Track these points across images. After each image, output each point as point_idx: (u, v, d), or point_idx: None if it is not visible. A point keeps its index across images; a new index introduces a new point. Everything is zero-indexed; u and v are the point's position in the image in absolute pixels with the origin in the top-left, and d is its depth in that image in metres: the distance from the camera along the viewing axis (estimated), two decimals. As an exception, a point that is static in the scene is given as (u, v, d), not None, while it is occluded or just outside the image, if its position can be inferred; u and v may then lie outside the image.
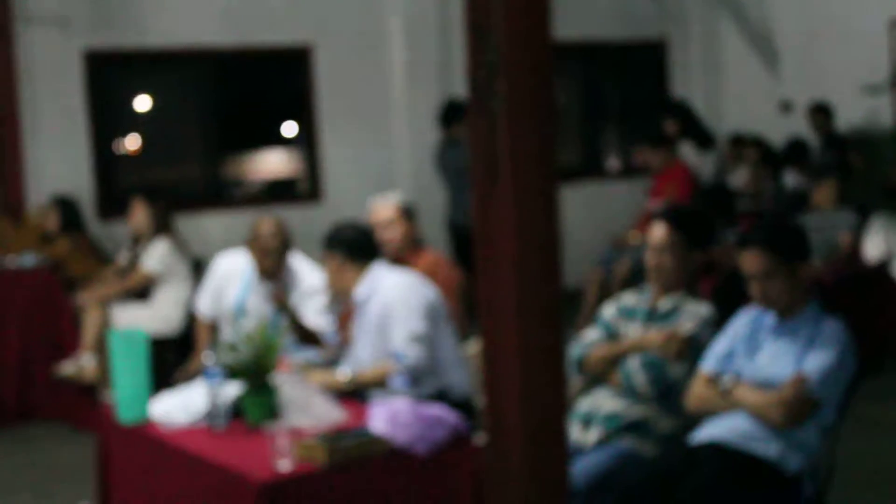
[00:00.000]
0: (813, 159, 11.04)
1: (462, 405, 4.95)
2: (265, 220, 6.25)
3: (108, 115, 10.26)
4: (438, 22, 11.09)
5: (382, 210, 6.31)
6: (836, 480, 4.52)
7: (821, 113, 11.24)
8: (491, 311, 3.75)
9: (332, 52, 10.98)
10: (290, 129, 11.29)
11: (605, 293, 8.92)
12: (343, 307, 6.00)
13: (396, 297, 5.24)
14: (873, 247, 8.32)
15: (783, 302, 4.42)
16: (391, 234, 6.17)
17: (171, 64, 10.68)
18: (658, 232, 4.94)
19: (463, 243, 10.12)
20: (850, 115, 11.24)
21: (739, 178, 11.14)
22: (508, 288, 3.67)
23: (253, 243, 6.22)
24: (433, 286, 5.46)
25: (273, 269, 6.23)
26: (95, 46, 10.03)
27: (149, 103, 10.77)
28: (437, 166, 10.51)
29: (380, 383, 5.10)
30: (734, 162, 11.63)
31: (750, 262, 4.45)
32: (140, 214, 8.22)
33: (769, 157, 10.68)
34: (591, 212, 11.95)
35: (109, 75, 10.23)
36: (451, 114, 10.37)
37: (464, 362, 5.33)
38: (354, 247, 5.38)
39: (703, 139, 11.59)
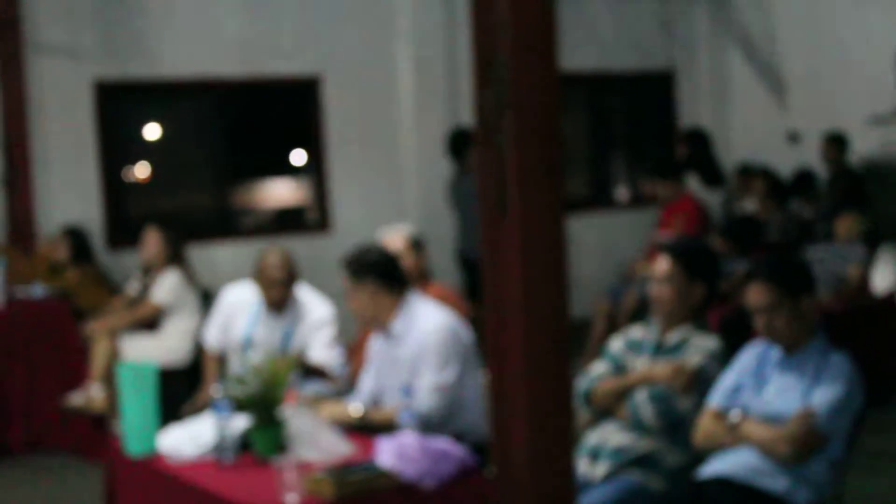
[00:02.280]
0: (820, 190, 11.04)
1: (477, 446, 4.88)
2: (272, 253, 6.25)
3: (117, 145, 10.30)
4: (446, 51, 11.12)
5: (392, 242, 6.30)
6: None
7: (834, 143, 11.18)
8: (498, 343, 3.75)
9: (341, 82, 11.01)
10: (299, 157, 11.32)
11: (613, 325, 8.92)
12: (358, 333, 5.98)
13: (435, 341, 5.12)
14: (882, 279, 8.32)
15: (788, 335, 4.43)
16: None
17: (180, 94, 10.72)
18: (661, 264, 4.95)
19: (473, 274, 10.12)
20: (857, 146, 11.24)
21: (747, 208, 11.14)
22: (516, 320, 3.67)
23: (260, 275, 6.22)
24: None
25: (280, 301, 6.24)
26: (105, 76, 10.08)
27: (158, 133, 10.81)
28: (450, 197, 10.54)
29: (391, 426, 4.95)
30: (742, 192, 11.63)
31: (754, 295, 4.47)
32: (153, 244, 8.23)
33: (776, 188, 10.68)
34: (600, 242, 11.96)
35: (119, 105, 10.27)
36: (461, 143, 10.40)
37: (483, 405, 5.26)
38: (386, 273, 5.25)
39: (712, 174, 11.59)
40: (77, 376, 8.11)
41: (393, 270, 5.29)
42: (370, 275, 5.23)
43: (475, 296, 10.04)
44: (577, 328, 9.66)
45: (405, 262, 6.15)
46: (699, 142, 11.90)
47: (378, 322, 5.30)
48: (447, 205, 10.84)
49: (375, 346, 5.39)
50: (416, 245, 6.33)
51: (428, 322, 5.19)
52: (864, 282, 8.46)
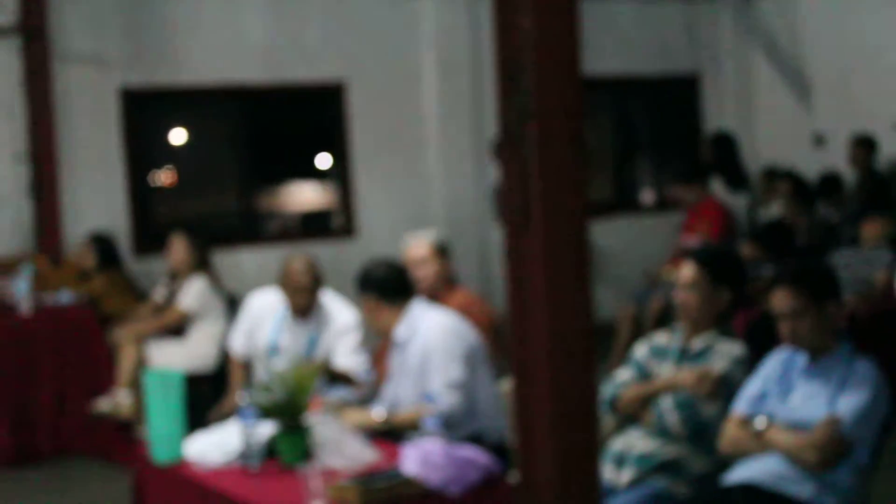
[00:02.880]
0: (847, 194, 10.98)
1: (497, 448, 4.94)
2: (296, 259, 6.28)
3: (144, 152, 10.36)
4: (471, 57, 11.14)
5: (416, 248, 6.32)
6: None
7: (863, 147, 11.11)
8: (523, 350, 3.76)
9: (366, 87, 11.04)
10: (324, 162, 11.35)
11: (639, 329, 8.91)
12: (379, 344, 6.03)
13: (437, 342, 5.24)
14: (908, 283, 8.28)
15: (812, 341, 4.42)
16: (424, 273, 6.18)
17: (206, 101, 10.77)
18: (686, 270, 4.95)
19: None
20: (883, 149, 11.18)
21: (773, 212, 11.10)
22: (540, 328, 3.68)
23: (284, 281, 6.25)
24: (470, 325, 5.47)
25: (305, 307, 6.26)
26: (131, 84, 10.14)
27: (184, 139, 10.87)
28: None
29: (415, 426, 5.08)
30: (767, 196, 11.59)
31: (779, 300, 4.46)
32: (180, 250, 8.26)
33: (801, 191, 10.64)
34: (625, 246, 11.94)
35: (146, 112, 10.33)
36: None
37: (500, 405, 5.32)
38: (387, 287, 5.40)
39: (736, 178, 11.55)
40: (104, 382, 8.16)
41: (397, 284, 5.44)
42: (372, 289, 5.43)
43: None
44: (604, 332, 9.66)
45: (429, 269, 6.18)
46: (724, 145, 11.87)
47: (381, 332, 5.48)
48: (472, 208, 10.87)
49: (391, 356, 5.46)
50: (442, 251, 6.34)
51: (429, 326, 5.31)
52: (890, 287, 8.42)
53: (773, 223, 9.88)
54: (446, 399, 5.11)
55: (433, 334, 5.27)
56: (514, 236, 3.77)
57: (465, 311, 5.85)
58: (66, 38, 9.81)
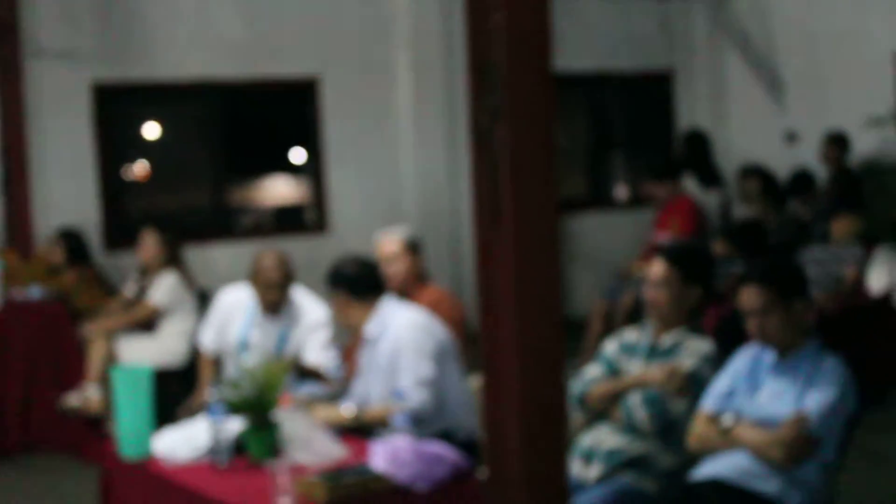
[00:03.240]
0: (818, 191, 11.03)
1: (466, 444, 4.95)
2: (267, 254, 6.26)
3: (115, 148, 10.32)
4: (444, 53, 11.13)
5: (387, 244, 6.33)
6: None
7: (835, 144, 11.16)
8: (493, 346, 3.77)
9: (340, 83, 11.02)
10: (298, 156, 11.33)
11: (610, 325, 8.93)
12: (349, 340, 6.02)
13: (407, 339, 5.23)
14: (877, 280, 8.33)
15: (780, 338, 4.44)
16: (395, 269, 6.19)
17: (178, 96, 10.73)
18: (656, 268, 4.96)
19: None
20: (854, 147, 11.24)
21: (747, 211, 11.14)
22: (510, 324, 3.68)
23: (255, 277, 6.24)
24: (440, 322, 5.47)
25: (275, 303, 6.25)
26: (103, 79, 10.09)
27: (156, 135, 10.82)
28: None
29: (384, 422, 5.09)
30: (743, 194, 11.63)
31: (747, 297, 4.49)
32: (150, 246, 8.24)
33: (771, 188, 10.68)
34: (598, 242, 11.97)
35: (117, 108, 10.29)
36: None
37: (470, 402, 5.32)
38: (356, 284, 5.39)
39: (709, 175, 11.58)
40: (74, 377, 8.12)
41: (367, 281, 5.43)
42: (342, 285, 5.41)
43: None
44: (577, 326, 9.68)
45: (400, 265, 6.19)
46: (696, 143, 11.91)
47: (352, 328, 5.48)
48: (445, 205, 10.88)
49: (361, 352, 5.46)
50: (413, 247, 6.35)
51: (399, 323, 5.30)
52: (859, 283, 8.47)
53: (747, 222, 9.91)
54: (416, 396, 5.11)
55: (403, 331, 5.26)
56: (485, 233, 3.77)
57: (436, 307, 5.86)
58: (38, 33, 9.76)
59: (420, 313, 5.42)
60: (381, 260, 6.14)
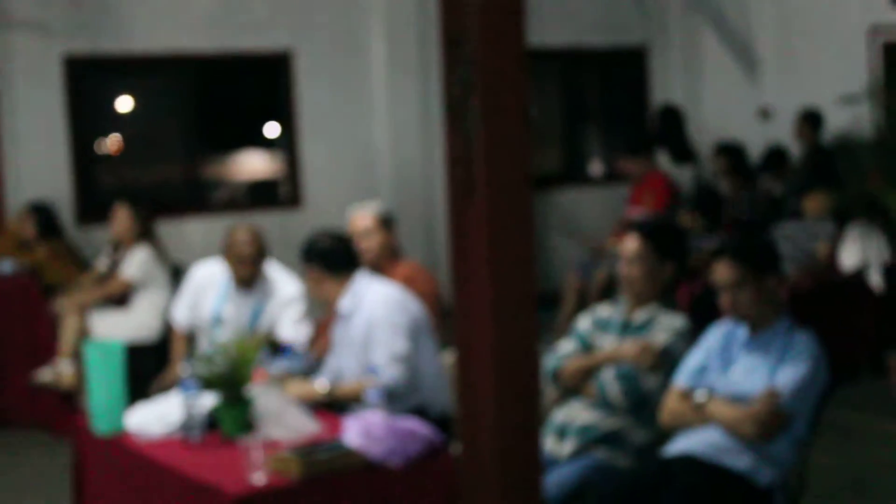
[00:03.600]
0: (791, 167, 11.06)
1: (440, 420, 4.95)
2: (240, 229, 6.25)
3: (87, 120, 10.23)
4: (418, 26, 11.09)
5: (360, 219, 6.31)
6: (810, 490, 4.55)
7: (808, 121, 11.18)
8: (466, 322, 3.76)
9: (312, 56, 10.96)
10: (271, 131, 11.28)
11: (583, 301, 8.95)
12: (323, 315, 6.01)
13: (381, 315, 5.22)
14: (849, 256, 8.37)
15: (752, 313, 4.46)
16: (368, 244, 6.17)
17: (151, 69, 10.65)
18: (630, 243, 4.96)
19: None
20: (828, 123, 11.27)
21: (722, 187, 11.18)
22: (483, 300, 3.68)
23: (228, 252, 6.22)
24: (414, 297, 5.47)
25: (249, 278, 6.23)
26: (75, 51, 10.01)
27: (129, 107, 10.75)
28: None
29: (357, 398, 5.08)
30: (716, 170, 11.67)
31: (720, 272, 4.50)
32: (122, 220, 8.20)
33: (740, 164, 10.71)
34: (572, 218, 11.97)
35: (89, 80, 10.20)
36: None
37: (444, 378, 5.32)
38: (331, 259, 5.37)
39: (682, 151, 11.60)
40: (46, 352, 8.08)
41: (341, 256, 5.40)
42: (316, 260, 5.39)
43: None
44: (551, 301, 9.69)
45: (373, 240, 6.18)
46: (670, 118, 11.92)
47: (326, 303, 5.46)
48: (419, 179, 10.87)
49: (335, 327, 5.45)
50: (386, 223, 6.33)
51: (374, 299, 5.29)
52: (832, 259, 8.50)
53: (708, 191, 9.99)
54: (389, 372, 5.10)
55: (377, 307, 5.25)
56: (458, 207, 3.76)
57: (410, 282, 5.86)
58: (9, 4, 9.66)
59: (394, 289, 5.41)
60: (355, 235, 6.12)
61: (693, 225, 8.68)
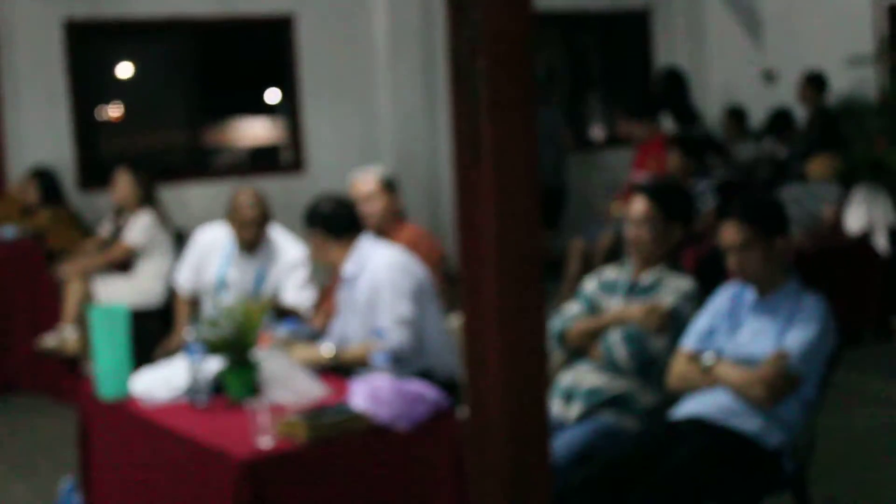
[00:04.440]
0: (796, 130, 11.03)
1: (446, 383, 4.94)
2: (244, 192, 6.24)
3: (89, 86, 10.19)
4: (421, -10, 11.04)
5: (363, 183, 6.28)
6: (815, 454, 4.54)
7: (812, 84, 11.14)
8: (471, 284, 3.75)
9: (314, 20, 10.91)
10: (273, 96, 11.24)
11: (588, 265, 8.93)
12: (328, 280, 6.00)
13: (385, 279, 5.19)
14: (855, 219, 8.34)
15: (759, 275, 4.43)
16: (372, 208, 6.14)
17: (152, 33, 10.60)
18: (637, 205, 4.93)
19: (546, 201, 10.58)
20: (833, 85, 11.22)
21: (749, 150, 11.18)
22: (489, 262, 3.66)
23: (232, 215, 6.21)
24: (418, 261, 5.44)
25: (253, 241, 6.22)
26: (76, 16, 9.95)
27: (130, 72, 10.71)
28: None
29: (363, 361, 5.07)
30: (732, 134, 11.64)
31: (727, 233, 4.47)
32: (124, 186, 8.18)
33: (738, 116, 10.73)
34: (576, 182, 11.93)
35: (90, 45, 10.15)
36: (545, 79, 10.65)
37: (449, 341, 5.31)
38: (333, 222, 5.34)
39: (685, 114, 11.55)
40: (50, 318, 8.08)
41: (343, 220, 5.37)
42: (318, 225, 5.36)
43: (547, 222, 10.49)
44: (555, 266, 9.68)
45: (376, 204, 6.14)
46: (674, 81, 11.86)
47: (329, 268, 5.44)
48: (422, 143, 10.83)
49: (339, 291, 5.43)
50: (390, 186, 6.30)
51: (377, 262, 5.26)
52: (838, 222, 8.48)
53: (691, 135, 10.08)
54: (395, 336, 5.09)
55: (381, 270, 5.23)
56: (463, 171, 3.74)
57: (414, 246, 5.83)
58: (8, -32, 9.62)
59: (398, 252, 5.39)
60: (358, 199, 6.09)
61: (682, 166, 8.73)
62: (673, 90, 11.74)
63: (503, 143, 3.62)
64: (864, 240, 8.30)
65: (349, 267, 5.31)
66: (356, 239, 5.35)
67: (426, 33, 11.04)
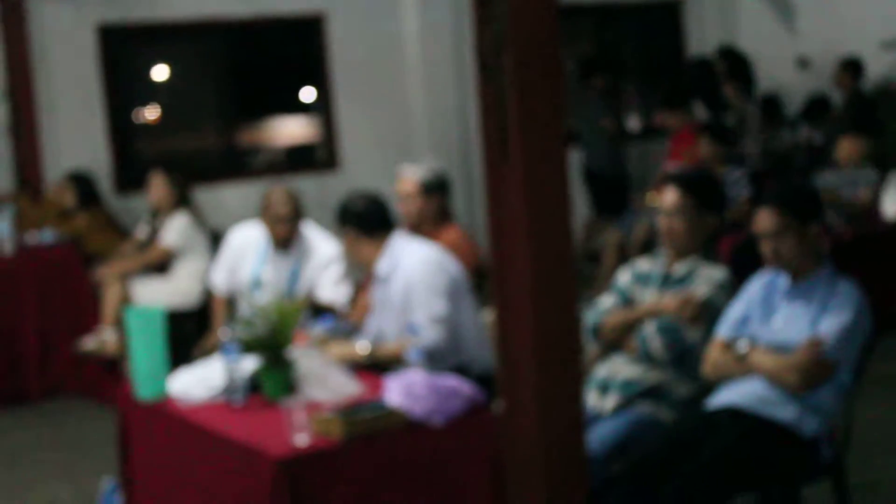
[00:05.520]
0: (833, 116, 10.96)
1: (482, 378, 4.93)
2: (276, 190, 6.27)
3: (123, 89, 10.27)
4: (451, -14, 11.04)
5: (404, 183, 6.18)
6: (853, 441, 4.51)
7: (848, 70, 11.07)
8: (505, 280, 3.75)
9: (346, 19, 10.93)
10: (307, 94, 11.27)
11: (624, 256, 8.91)
12: (362, 277, 6.00)
13: (419, 277, 5.19)
14: (891, 204, 8.27)
15: (794, 262, 4.41)
16: (407, 209, 6.08)
17: (185, 36, 10.66)
18: (669, 196, 4.91)
19: (599, 190, 10.99)
20: (868, 70, 11.14)
21: (786, 138, 11.12)
22: (521, 256, 3.67)
23: (265, 212, 6.24)
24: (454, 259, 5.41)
25: (286, 238, 6.24)
26: (108, 20, 10.02)
27: (164, 75, 10.77)
28: (574, 117, 10.87)
29: (398, 358, 5.06)
30: (771, 121, 11.58)
31: (762, 220, 4.45)
32: (159, 188, 8.22)
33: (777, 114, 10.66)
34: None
35: (124, 49, 10.23)
36: (588, 69, 10.95)
37: (484, 337, 5.29)
38: (365, 220, 5.34)
39: (716, 103, 11.48)
40: (89, 321, 8.14)
41: (375, 217, 5.36)
42: (351, 222, 5.36)
43: (601, 209, 10.86)
44: (589, 258, 9.67)
45: (412, 205, 6.08)
46: (703, 71, 11.80)
47: (363, 265, 5.43)
48: (455, 139, 10.84)
49: (373, 289, 5.43)
50: (430, 188, 6.15)
51: (410, 260, 5.26)
52: (873, 207, 8.42)
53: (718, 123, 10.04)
54: (430, 334, 5.08)
55: (415, 268, 5.22)
56: (493, 165, 3.74)
57: (455, 249, 5.73)
58: (41, -25, 9.69)
59: (431, 249, 5.38)
60: (398, 197, 6.08)
61: (711, 150, 8.72)
62: (703, 79, 11.69)
63: (531, 136, 3.62)
64: (902, 225, 8.23)
65: (382, 265, 5.31)
66: (388, 236, 5.35)
67: (457, 28, 11.03)
